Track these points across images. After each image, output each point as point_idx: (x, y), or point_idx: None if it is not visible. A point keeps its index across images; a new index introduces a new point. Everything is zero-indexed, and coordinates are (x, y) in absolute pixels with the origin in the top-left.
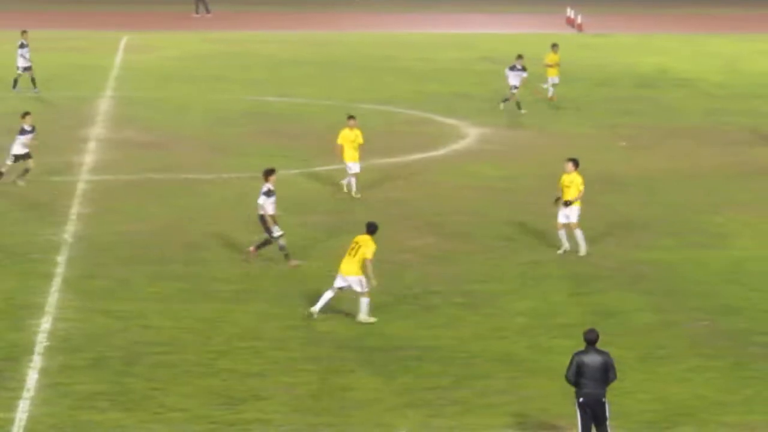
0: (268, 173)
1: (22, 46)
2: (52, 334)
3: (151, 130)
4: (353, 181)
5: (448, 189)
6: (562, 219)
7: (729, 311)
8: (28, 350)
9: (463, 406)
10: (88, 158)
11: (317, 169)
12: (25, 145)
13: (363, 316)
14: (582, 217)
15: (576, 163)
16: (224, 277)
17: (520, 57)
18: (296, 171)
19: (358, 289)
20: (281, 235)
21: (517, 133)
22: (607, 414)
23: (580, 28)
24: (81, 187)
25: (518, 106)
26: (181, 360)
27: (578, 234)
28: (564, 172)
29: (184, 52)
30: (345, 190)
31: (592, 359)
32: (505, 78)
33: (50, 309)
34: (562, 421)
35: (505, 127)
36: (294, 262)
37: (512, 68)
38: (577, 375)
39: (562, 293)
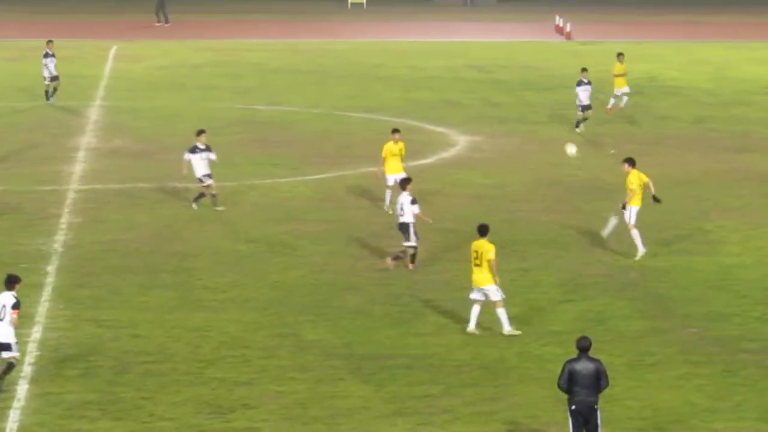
0: (406, 182)
1: (46, 55)
2: (42, 344)
3: (140, 139)
4: (391, 194)
5: (437, 197)
6: (626, 216)
7: (718, 318)
8: (19, 360)
9: (453, 415)
10: (78, 167)
11: (307, 177)
12: (205, 166)
13: (507, 328)
14: (569, 224)
15: (631, 162)
16: (213, 286)
17: (584, 70)
18: (285, 179)
19: (495, 297)
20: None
21: (506, 140)
22: (599, 422)
23: (568, 36)
24: (71, 196)
25: (577, 124)
26: (171, 369)
27: (635, 234)
28: (625, 173)
29: (174, 60)
30: (388, 209)
31: (585, 366)
32: (575, 96)
33: (40, 318)
34: (552, 428)
35: (493, 135)
36: (410, 265)
37: (580, 83)
38: (569, 382)
39: (552, 300)
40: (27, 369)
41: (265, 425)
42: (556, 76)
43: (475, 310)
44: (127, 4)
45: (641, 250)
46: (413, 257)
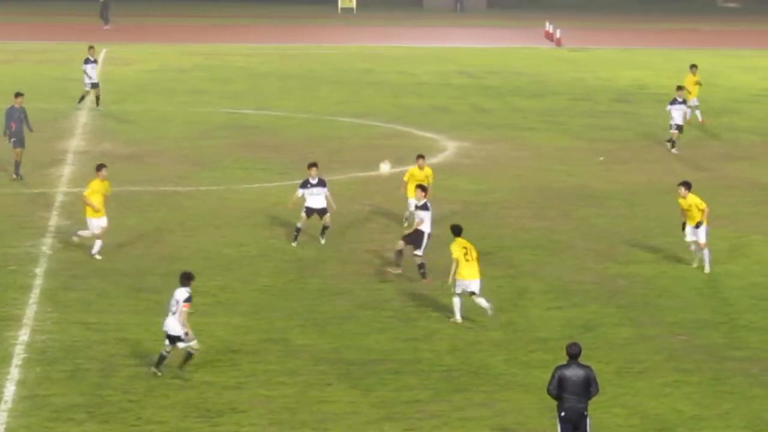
0: (423, 189)
1: (87, 62)
2: (29, 346)
3: (129, 142)
4: (417, 215)
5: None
6: (690, 237)
7: (706, 326)
8: (6, 362)
9: (441, 420)
10: (67, 170)
11: (296, 182)
12: (319, 200)
13: (490, 309)
14: (558, 230)
15: (688, 185)
16: (202, 290)
17: (680, 88)
18: (274, 184)
19: (477, 291)
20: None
21: (495, 146)
22: (588, 429)
23: (558, 42)
24: (59, 199)
25: (672, 144)
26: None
27: (706, 254)
28: (679, 197)
29: (163, 64)
30: (405, 224)
31: (575, 373)
32: (668, 114)
33: (28, 321)
34: None
35: (482, 140)
36: (427, 280)
37: (673, 102)
38: (559, 389)
39: (540, 307)
40: (14, 371)
41: (253, 429)
42: (546, 83)
43: (461, 302)
44: (117, 8)
45: (707, 267)
46: (422, 269)
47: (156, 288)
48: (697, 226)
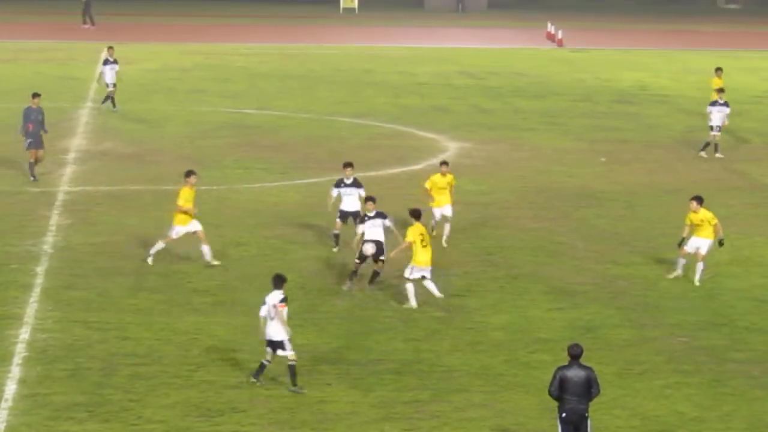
0: (373, 200)
1: (106, 62)
2: (30, 345)
3: (130, 141)
4: (446, 228)
5: (426, 203)
6: (690, 249)
7: (707, 327)
8: (7, 360)
9: (441, 420)
10: (68, 169)
11: (296, 181)
12: (353, 201)
13: (438, 293)
14: (558, 231)
15: (700, 200)
16: (203, 289)
17: (721, 90)
18: (274, 183)
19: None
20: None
21: (496, 147)
22: (589, 430)
23: (560, 43)
24: (60, 197)
25: (715, 148)
26: (159, 372)
27: (701, 265)
28: (690, 211)
29: (164, 64)
30: (433, 233)
31: (576, 374)
32: (707, 116)
33: (29, 319)
34: None
35: (483, 141)
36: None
37: (714, 104)
38: (560, 390)
39: (540, 308)
40: (15, 370)
41: (253, 429)
42: (547, 84)
43: (415, 288)
44: (119, 7)
45: (699, 277)
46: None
47: (157, 287)
48: (721, 244)
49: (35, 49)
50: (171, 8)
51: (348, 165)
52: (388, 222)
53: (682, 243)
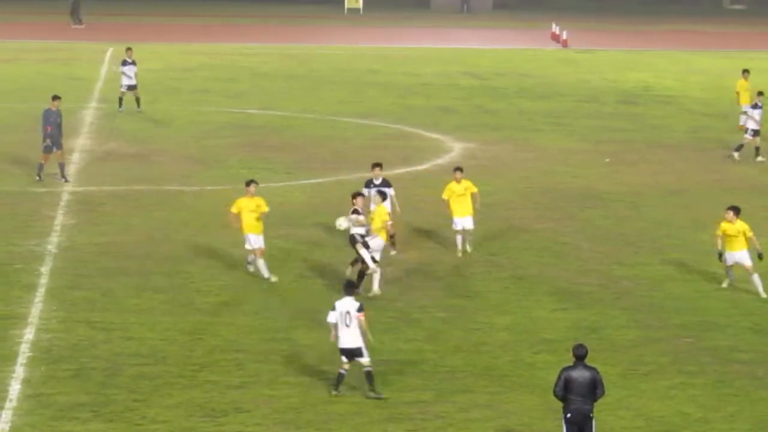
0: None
1: (124, 63)
2: (34, 345)
3: (135, 141)
4: (461, 239)
5: (431, 203)
6: (729, 261)
7: (712, 328)
8: (11, 360)
9: (445, 421)
10: (73, 169)
11: (301, 182)
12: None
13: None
14: (563, 232)
15: (737, 210)
16: (207, 290)
17: (760, 94)
18: (279, 184)
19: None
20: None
21: (501, 148)
22: (594, 430)
23: (564, 43)
24: (65, 198)
25: (757, 151)
26: (164, 372)
27: (756, 279)
28: (725, 220)
29: (168, 64)
30: (459, 253)
31: (581, 375)
32: (748, 118)
33: (33, 319)
34: None
35: (488, 142)
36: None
37: (755, 106)
38: (564, 390)
39: (545, 308)
40: (19, 370)
41: (257, 429)
42: (552, 84)
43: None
44: (123, 7)
45: (761, 290)
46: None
47: (161, 287)
48: (761, 257)
49: (37, 49)
50: (175, 8)
51: (377, 165)
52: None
53: (721, 257)
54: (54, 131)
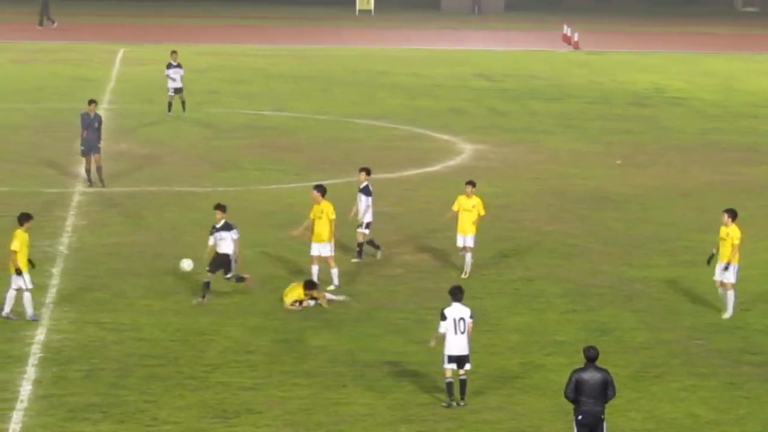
0: (223, 209)
1: (169, 66)
2: (45, 346)
3: (146, 142)
4: (467, 257)
5: (442, 205)
6: (717, 276)
7: (723, 330)
8: (22, 361)
9: (457, 422)
10: (84, 170)
11: (312, 183)
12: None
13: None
14: (574, 234)
15: (734, 214)
16: (218, 290)
17: None
18: (291, 185)
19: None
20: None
21: (512, 150)
22: None
23: (576, 45)
24: (76, 198)
25: None
26: (175, 372)
27: (730, 295)
28: (722, 223)
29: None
30: (464, 275)
31: (592, 376)
32: None
33: (44, 320)
34: None
35: (499, 143)
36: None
37: None
38: (576, 392)
39: (556, 310)
40: (30, 370)
41: (268, 430)
42: (563, 86)
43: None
44: (134, 8)
45: (730, 311)
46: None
47: (172, 288)
48: (726, 267)
49: (50, 50)
50: (185, 9)
51: (363, 170)
52: (235, 234)
53: (711, 260)
54: (91, 135)
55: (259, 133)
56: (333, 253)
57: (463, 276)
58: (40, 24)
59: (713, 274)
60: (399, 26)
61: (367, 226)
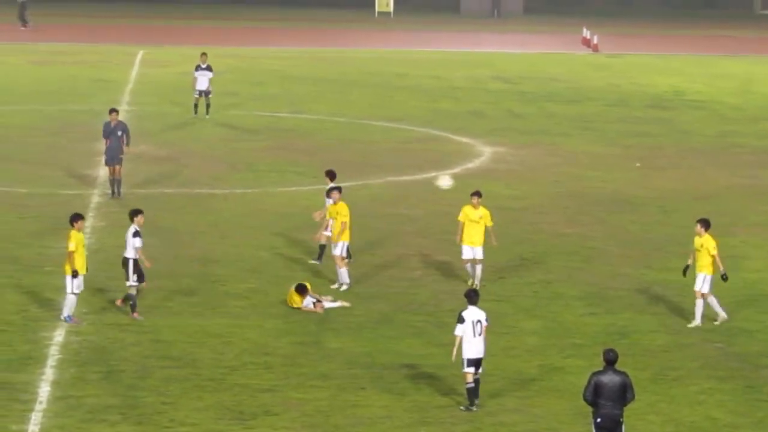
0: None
1: (197, 68)
2: (64, 347)
3: (165, 144)
4: (477, 270)
5: (460, 207)
6: (697, 286)
7: (742, 333)
8: (41, 363)
9: (474, 425)
10: (102, 172)
11: (329, 185)
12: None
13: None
14: (592, 236)
15: (706, 224)
16: (236, 293)
17: None
18: (308, 187)
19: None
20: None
21: (530, 152)
22: None
23: (595, 48)
24: (95, 200)
25: None
26: (193, 374)
27: (712, 300)
28: (695, 234)
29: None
30: (470, 283)
31: (611, 379)
32: None
33: (63, 322)
34: None
35: (518, 146)
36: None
37: None
38: (594, 395)
39: (574, 313)
40: (49, 372)
41: None
42: (582, 89)
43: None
44: (154, 10)
45: (722, 315)
46: (129, 299)
47: (190, 290)
48: (724, 278)
49: (70, 52)
50: (203, 11)
51: (328, 173)
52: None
53: (686, 271)
54: (113, 145)
55: (276, 134)
56: (343, 254)
57: (469, 283)
58: (23, 25)
59: (692, 285)
60: (418, 29)
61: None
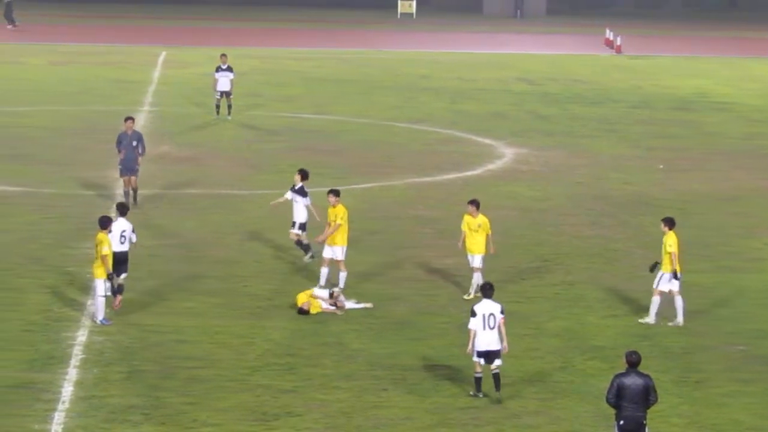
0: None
1: (218, 69)
2: (87, 347)
3: (187, 145)
4: (474, 277)
5: (483, 209)
6: (662, 285)
7: (765, 336)
8: (64, 363)
9: (496, 427)
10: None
11: (352, 186)
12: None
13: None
14: (615, 238)
15: (670, 222)
16: (259, 293)
17: None
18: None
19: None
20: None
21: (553, 154)
22: None
23: (618, 49)
24: (117, 201)
25: None
26: (216, 375)
27: (678, 302)
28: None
29: None
30: (471, 294)
31: (634, 381)
32: None
33: (86, 322)
34: None
35: (541, 147)
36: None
37: None
38: (617, 397)
39: (596, 315)
40: (72, 372)
41: None
42: (605, 90)
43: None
44: (177, 11)
45: (680, 319)
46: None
47: (213, 290)
48: (675, 276)
49: (92, 52)
50: (226, 12)
51: (301, 172)
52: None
53: (654, 268)
54: (128, 155)
55: (299, 136)
56: (344, 258)
57: (466, 297)
58: (10, 24)
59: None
60: (441, 30)
61: (301, 226)
